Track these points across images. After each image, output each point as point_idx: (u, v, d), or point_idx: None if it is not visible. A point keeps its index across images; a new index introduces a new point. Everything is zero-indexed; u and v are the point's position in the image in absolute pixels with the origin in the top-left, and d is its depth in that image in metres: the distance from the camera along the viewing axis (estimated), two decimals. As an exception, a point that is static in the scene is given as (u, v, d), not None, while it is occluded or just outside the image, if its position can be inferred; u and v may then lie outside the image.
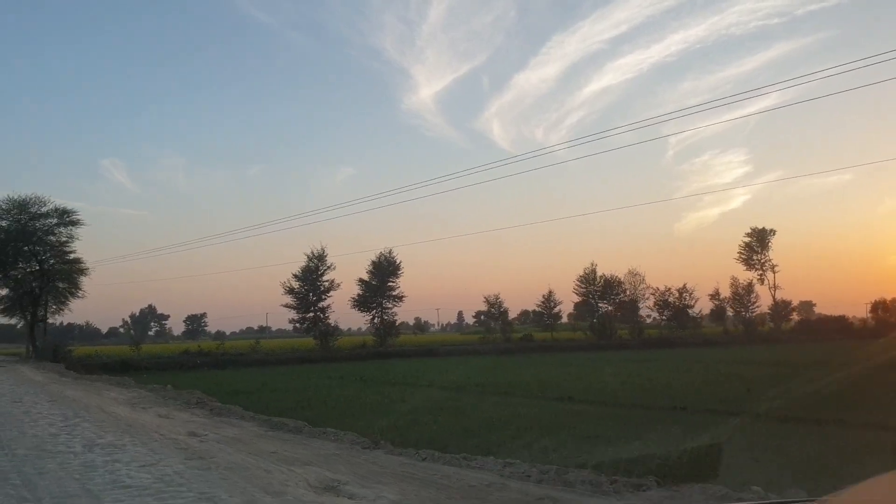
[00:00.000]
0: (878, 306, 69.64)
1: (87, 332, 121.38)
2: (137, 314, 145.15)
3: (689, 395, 18.53)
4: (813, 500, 2.10)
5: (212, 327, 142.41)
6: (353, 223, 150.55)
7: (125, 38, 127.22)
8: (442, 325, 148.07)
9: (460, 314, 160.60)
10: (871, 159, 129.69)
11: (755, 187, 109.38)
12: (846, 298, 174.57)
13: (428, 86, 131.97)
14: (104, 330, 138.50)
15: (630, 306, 72.42)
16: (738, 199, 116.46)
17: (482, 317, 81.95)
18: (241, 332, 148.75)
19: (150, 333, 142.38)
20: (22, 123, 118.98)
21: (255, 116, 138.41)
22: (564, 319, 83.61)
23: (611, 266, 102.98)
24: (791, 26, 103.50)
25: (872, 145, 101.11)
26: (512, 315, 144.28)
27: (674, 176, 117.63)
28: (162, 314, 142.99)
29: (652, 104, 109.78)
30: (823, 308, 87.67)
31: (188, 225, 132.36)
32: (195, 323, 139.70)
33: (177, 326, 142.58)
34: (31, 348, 50.40)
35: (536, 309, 70.36)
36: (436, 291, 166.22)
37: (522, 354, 53.10)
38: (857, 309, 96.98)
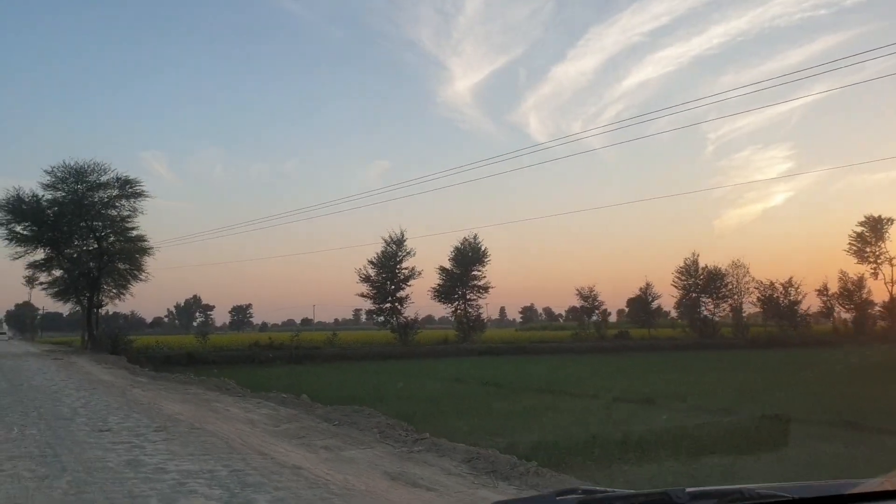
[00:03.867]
0: None
1: (132, 322, 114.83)
2: (182, 304, 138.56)
3: None
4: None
5: (257, 319, 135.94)
6: (386, 213, 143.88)
7: (165, 35, 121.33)
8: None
9: (503, 310, 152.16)
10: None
11: (800, 184, 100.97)
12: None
13: (464, 78, 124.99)
14: (149, 320, 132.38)
15: (692, 302, 64.28)
16: (780, 195, 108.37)
17: (573, 313, 73.80)
18: (284, 324, 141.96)
19: (195, 324, 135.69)
20: (61, 117, 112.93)
21: (292, 110, 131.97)
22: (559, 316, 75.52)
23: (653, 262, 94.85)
24: (838, 17, 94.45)
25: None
26: (558, 311, 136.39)
27: (714, 171, 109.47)
28: (207, 304, 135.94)
29: (692, 98, 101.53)
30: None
31: (227, 216, 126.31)
32: (241, 314, 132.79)
33: (221, 317, 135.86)
34: (86, 338, 42.66)
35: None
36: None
37: (625, 354, 45.07)
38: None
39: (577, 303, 62.25)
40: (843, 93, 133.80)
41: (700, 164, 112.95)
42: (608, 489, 2.04)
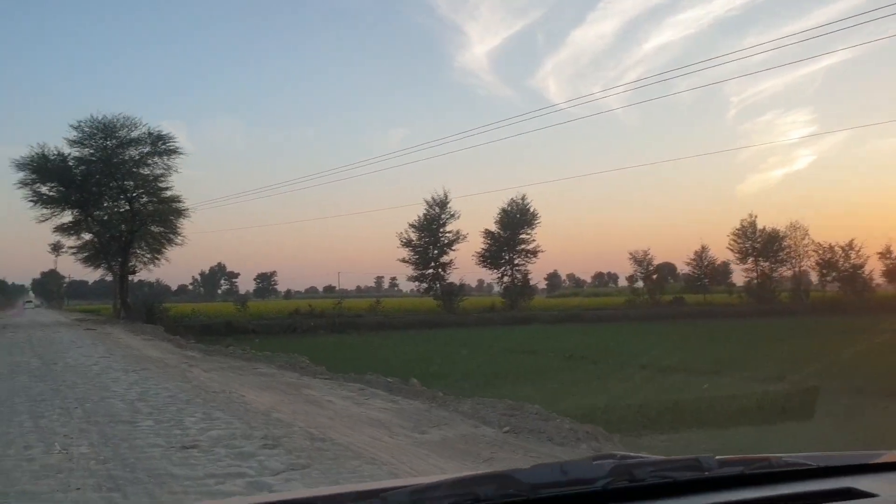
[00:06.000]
0: None
1: (157, 290, 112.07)
2: (207, 272, 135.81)
3: None
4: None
5: (281, 286, 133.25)
6: (404, 178, 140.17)
7: (182, 5, 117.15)
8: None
9: (526, 276, 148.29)
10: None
11: (821, 147, 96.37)
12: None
13: (482, 43, 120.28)
14: (174, 287, 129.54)
15: (722, 269, 60.54)
16: (803, 160, 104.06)
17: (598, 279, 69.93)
18: (307, 291, 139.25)
19: (219, 292, 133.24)
20: (79, 87, 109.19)
21: (308, 77, 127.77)
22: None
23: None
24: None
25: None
26: (582, 277, 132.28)
27: (737, 135, 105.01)
28: (232, 272, 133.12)
29: (713, 61, 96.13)
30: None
31: (247, 184, 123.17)
32: (265, 281, 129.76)
33: (245, 285, 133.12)
34: (119, 306, 39.21)
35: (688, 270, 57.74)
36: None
37: (687, 321, 41.29)
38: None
39: (612, 269, 58.30)
40: (868, 53, 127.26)
41: (722, 128, 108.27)
42: (642, 455, 1.90)
